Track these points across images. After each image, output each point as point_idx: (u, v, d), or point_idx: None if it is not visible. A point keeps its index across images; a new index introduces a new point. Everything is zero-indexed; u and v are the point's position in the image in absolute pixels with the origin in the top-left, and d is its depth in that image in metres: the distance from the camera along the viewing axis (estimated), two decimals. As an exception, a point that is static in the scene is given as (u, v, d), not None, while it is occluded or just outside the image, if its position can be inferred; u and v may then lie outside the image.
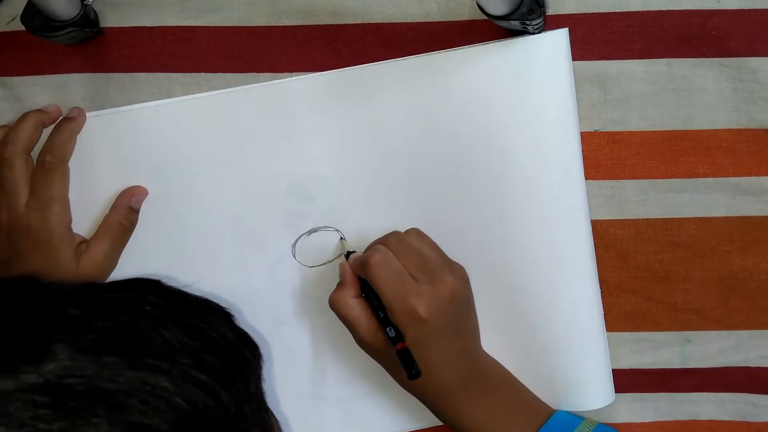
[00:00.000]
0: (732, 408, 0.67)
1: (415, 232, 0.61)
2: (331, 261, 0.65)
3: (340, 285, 0.61)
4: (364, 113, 0.63)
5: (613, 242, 0.65)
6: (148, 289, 0.45)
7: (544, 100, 0.61)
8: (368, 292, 0.59)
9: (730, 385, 0.67)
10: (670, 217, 0.64)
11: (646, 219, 0.64)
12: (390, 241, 0.60)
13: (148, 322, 0.41)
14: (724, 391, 0.67)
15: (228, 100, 0.64)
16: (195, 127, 0.64)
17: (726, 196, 0.64)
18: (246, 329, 0.47)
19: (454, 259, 0.62)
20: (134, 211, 0.64)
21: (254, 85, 0.64)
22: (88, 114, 0.64)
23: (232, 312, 0.48)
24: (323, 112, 0.63)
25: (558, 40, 0.61)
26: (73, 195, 0.63)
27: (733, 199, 0.64)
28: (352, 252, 0.63)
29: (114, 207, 0.64)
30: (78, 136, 0.64)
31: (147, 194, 0.64)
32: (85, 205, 0.64)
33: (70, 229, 0.62)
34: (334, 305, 0.60)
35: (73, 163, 0.63)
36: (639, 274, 0.65)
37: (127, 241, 0.64)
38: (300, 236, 0.65)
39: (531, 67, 0.61)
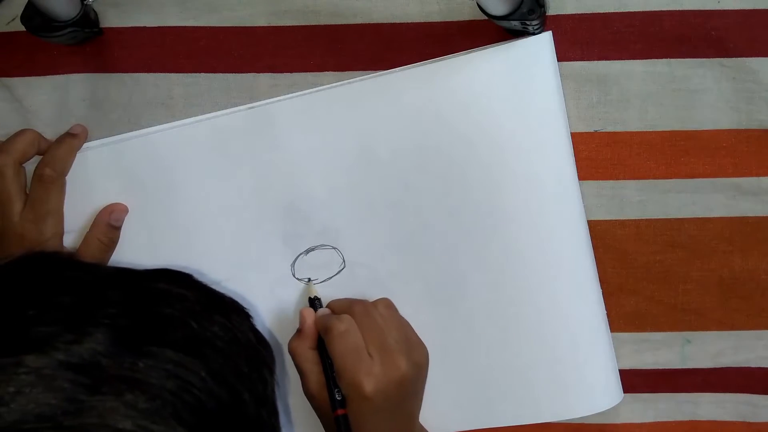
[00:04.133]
0: (732, 408, 0.67)
1: (384, 306, 0.61)
2: (331, 277, 0.65)
3: (299, 333, 0.62)
4: (352, 130, 0.63)
5: (613, 243, 0.65)
6: (181, 282, 0.46)
7: (531, 105, 0.61)
8: (323, 349, 0.60)
9: (730, 385, 0.67)
10: (670, 217, 0.64)
11: (646, 219, 0.64)
12: (356, 311, 0.60)
13: (183, 316, 0.42)
14: (724, 391, 0.67)
15: (216, 125, 0.63)
16: (186, 153, 0.64)
17: (726, 196, 0.64)
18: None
19: (453, 269, 0.62)
20: (113, 228, 0.63)
21: (241, 107, 0.64)
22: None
23: (252, 313, 0.48)
24: (312, 131, 0.63)
25: (542, 43, 0.61)
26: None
27: (733, 199, 0.64)
28: (316, 298, 0.64)
29: (93, 224, 0.63)
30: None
31: (127, 211, 0.64)
32: (72, 222, 0.64)
33: (62, 242, 0.63)
34: (291, 352, 0.62)
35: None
36: (639, 274, 0.65)
37: (109, 258, 0.64)
38: (298, 255, 0.65)
39: (517, 73, 0.61)
